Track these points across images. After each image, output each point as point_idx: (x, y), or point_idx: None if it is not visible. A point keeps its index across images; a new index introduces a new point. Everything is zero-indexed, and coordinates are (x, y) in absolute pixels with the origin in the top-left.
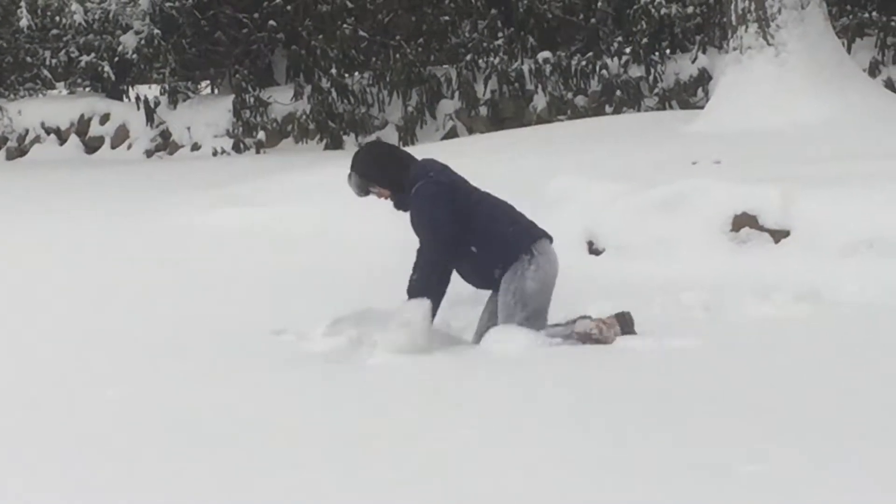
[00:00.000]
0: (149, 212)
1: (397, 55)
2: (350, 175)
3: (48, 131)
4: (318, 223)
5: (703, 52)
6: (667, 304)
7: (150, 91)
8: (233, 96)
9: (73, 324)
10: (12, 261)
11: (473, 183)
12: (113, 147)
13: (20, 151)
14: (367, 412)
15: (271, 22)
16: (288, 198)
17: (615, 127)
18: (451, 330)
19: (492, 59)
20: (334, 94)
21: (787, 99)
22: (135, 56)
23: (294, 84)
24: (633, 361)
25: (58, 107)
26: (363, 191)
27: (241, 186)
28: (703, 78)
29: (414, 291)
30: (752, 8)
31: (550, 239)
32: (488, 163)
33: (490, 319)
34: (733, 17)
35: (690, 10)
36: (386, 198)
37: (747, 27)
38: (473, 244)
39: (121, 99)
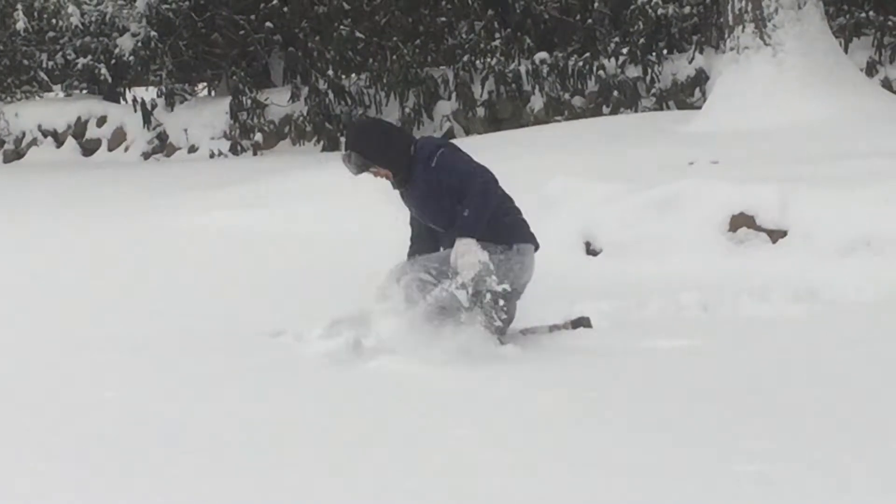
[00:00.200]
0: (146, 214)
1: (394, 56)
2: (349, 154)
3: (45, 134)
4: (315, 225)
5: (700, 53)
6: (664, 304)
7: (147, 93)
8: (230, 98)
9: (70, 326)
10: (10, 263)
11: None
12: (110, 149)
13: (17, 154)
14: (365, 414)
15: (268, 24)
16: (285, 199)
17: (612, 127)
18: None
19: (489, 60)
20: (331, 95)
21: (785, 99)
22: (131, 58)
23: (291, 86)
24: (631, 361)
25: (55, 109)
26: (362, 171)
27: (239, 188)
28: (701, 78)
29: (474, 220)
30: (749, 8)
31: (537, 247)
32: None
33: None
34: (730, 18)
35: (687, 10)
36: (384, 177)
37: (744, 27)
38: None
39: (118, 101)
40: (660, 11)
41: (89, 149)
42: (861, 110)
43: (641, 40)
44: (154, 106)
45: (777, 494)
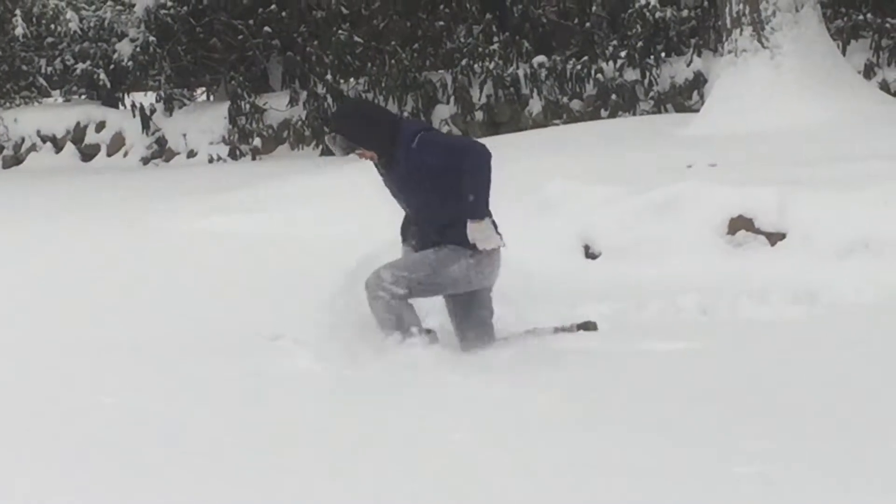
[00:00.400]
0: (145, 218)
1: (392, 61)
2: (334, 136)
3: (44, 139)
4: (314, 228)
5: (699, 56)
6: (663, 306)
7: (146, 98)
8: (228, 103)
9: (70, 329)
10: (10, 267)
11: None
12: (109, 155)
13: (16, 160)
14: (364, 416)
15: (266, 28)
16: (284, 203)
17: (611, 131)
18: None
19: (487, 63)
20: (330, 100)
21: (783, 101)
22: (130, 63)
23: (290, 90)
24: (630, 364)
25: (54, 115)
26: (347, 152)
27: (238, 193)
28: (699, 81)
29: (481, 201)
30: (747, 11)
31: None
32: None
33: (470, 308)
34: (728, 21)
35: (685, 13)
36: (369, 158)
37: (742, 30)
38: (453, 207)
39: (116, 106)
40: (658, 15)
41: (88, 154)
42: (859, 113)
43: (639, 44)
44: (153, 111)
45: (777, 495)
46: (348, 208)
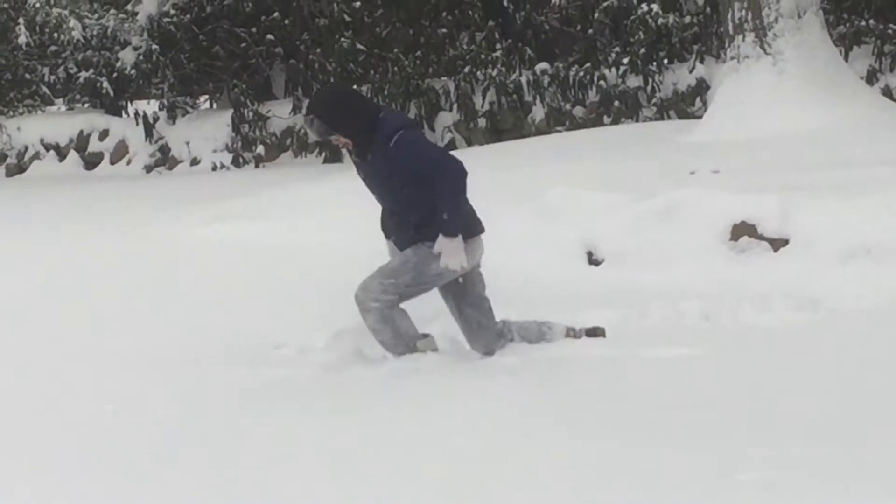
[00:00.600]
0: (148, 226)
1: (395, 68)
2: (312, 119)
3: (47, 147)
4: (317, 236)
5: (701, 62)
6: (666, 313)
7: (149, 106)
8: (231, 111)
9: (71, 336)
10: (12, 275)
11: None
12: (112, 163)
13: (20, 168)
14: (366, 423)
15: (269, 36)
16: (288, 211)
17: (613, 137)
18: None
19: (490, 70)
20: None
21: (785, 107)
22: (133, 71)
23: (293, 98)
24: (632, 370)
25: (57, 123)
26: (324, 137)
27: (241, 200)
28: (701, 87)
29: (454, 219)
30: (749, 17)
31: (483, 230)
32: (488, 174)
33: (464, 304)
34: (730, 27)
35: (688, 20)
36: (344, 145)
37: (744, 36)
38: (426, 206)
39: (119, 115)
40: (660, 21)
41: (92, 162)
42: (861, 118)
43: (642, 50)
44: (156, 119)
45: (778, 502)
46: (350, 216)
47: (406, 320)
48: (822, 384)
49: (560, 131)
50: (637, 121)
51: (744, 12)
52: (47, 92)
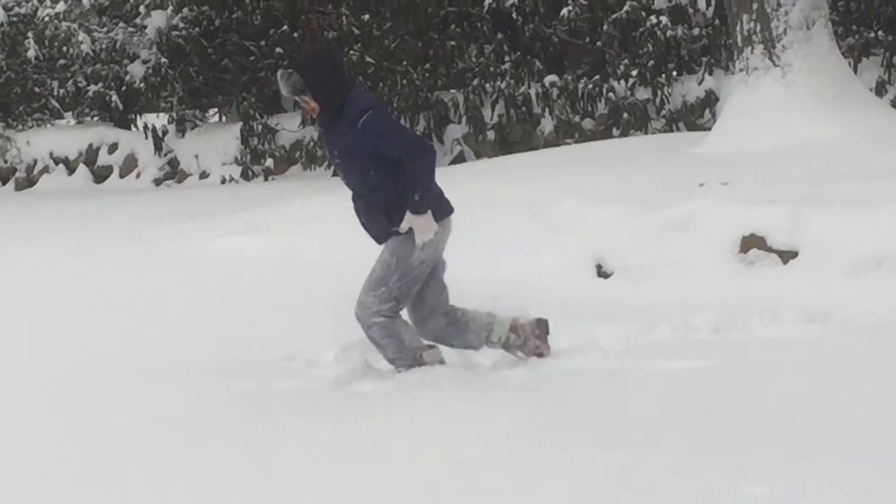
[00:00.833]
0: (158, 240)
1: (404, 81)
2: (290, 73)
3: (57, 161)
4: (327, 249)
5: (710, 74)
6: (676, 325)
7: (158, 120)
8: (240, 124)
9: (79, 349)
10: (15, 289)
11: (481, 205)
12: (121, 176)
13: (29, 182)
14: (375, 438)
15: (278, 49)
16: (297, 224)
17: (622, 149)
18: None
19: (499, 83)
20: None
21: (794, 119)
22: (142, 85)
23: (301, 111)
24: (642, 382)
25: (66, 137)
26: (295, 94)
27: (250, 213)
28: (710, 99)
29: (424, 200)
30: (758, 29)
31: (452, 211)
32: (497, 187)
33: (428, 289)
34: (739, 39)
35: (696, 31)
36: (311, 111)
37: (753, 48)
38: (393, 189)
39: (129, 128)
40: (669, 33)
41: (101, 176)
42: (871, 130)
43: (651, 62)
44: (165, 132)
45: None
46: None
47: (409, 332)
48: (831, 397)
49: (569, 144)
50: (646, 133)
51: (753, 24)
52: (56, 105)
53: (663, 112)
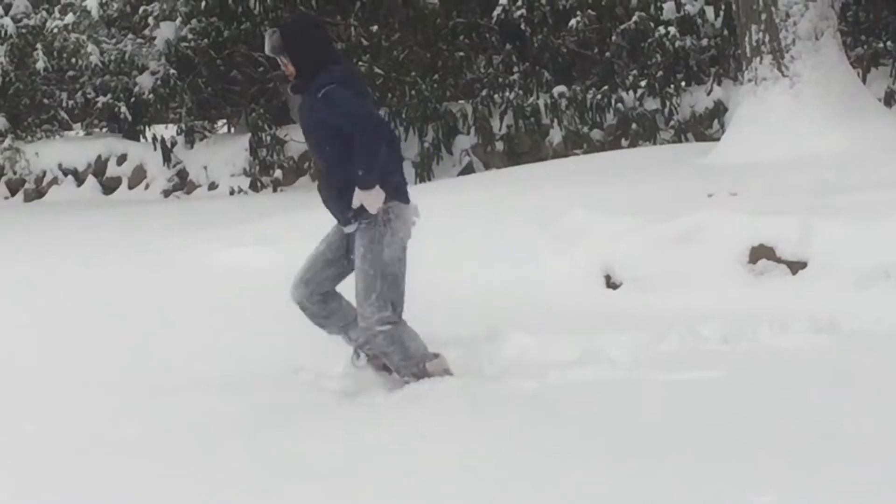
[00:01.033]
0: (166, 251)
1: (413, 91)
2: (273, 32)
3: (66, 172)
4: None
5: (719, 85)
6: (684, 336)
7: (167, 131)
8: (249, 135)
9: (89, 360)
10: (33, 299)
11: (490, 216)
12: (130, 187)
13: (38, 193)
14: (383, 449)
15: None
16: (306, 235)
17: (631, 160)
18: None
19: (507, 94)
20: None
21: (803, 130)
22: (151, 96)
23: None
24: (651, 393)
25: (75, 148)
26: (274, 53)
27: (259, 224)
28: (719, 110)
29: (369, 176)
30: (767, 39)
31: (409, 202)
32: (505, 197)
33: (326, 267)
34: (748, 49)
35: (705, 42)
36: (289, 74)
37: (762, 59)
38: (343, 168)
39: (137, 139)
40: (677, 44)
41: (110, 187)
42: (880, 140)
43: (660, 73)
44: (174, 143)
45: None
46: None
47: (415, 340)
48: (840, 407)
49: (578, 154)
50: (655, 143)
51: (761, 35)
52: (65, 117)
53: (672, 122)
